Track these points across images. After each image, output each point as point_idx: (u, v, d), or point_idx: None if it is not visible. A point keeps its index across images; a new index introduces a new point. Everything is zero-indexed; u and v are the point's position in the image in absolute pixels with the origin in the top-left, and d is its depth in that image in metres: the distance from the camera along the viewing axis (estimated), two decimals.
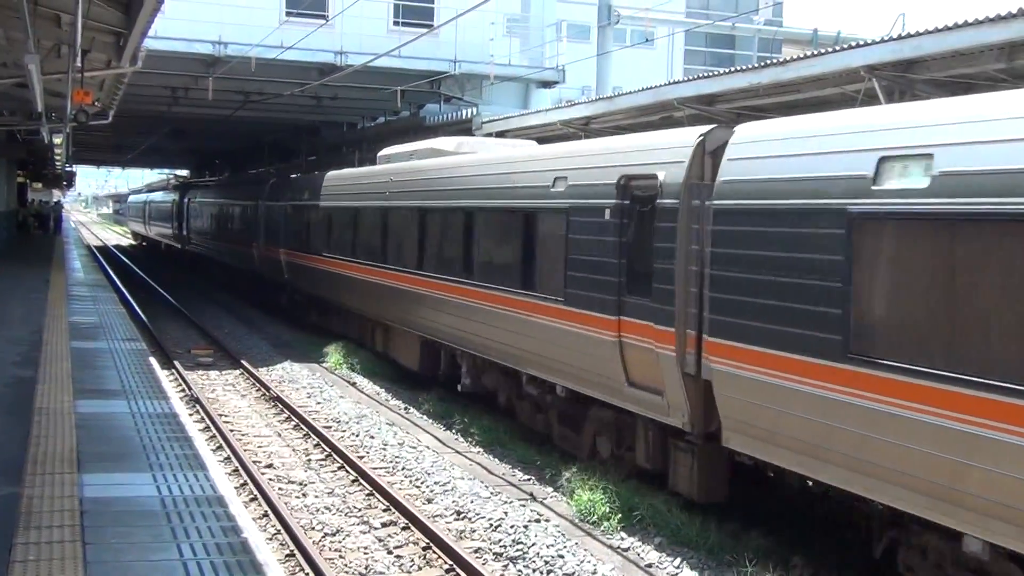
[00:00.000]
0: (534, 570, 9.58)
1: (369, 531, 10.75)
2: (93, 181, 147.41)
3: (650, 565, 9.73)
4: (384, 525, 10.92)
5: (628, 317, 10.86)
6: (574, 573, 9.47)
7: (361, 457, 13.58)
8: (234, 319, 29.22)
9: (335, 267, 22.11)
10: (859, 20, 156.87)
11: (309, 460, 13.70)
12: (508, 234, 13.91)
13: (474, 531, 10.69)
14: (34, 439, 8.97)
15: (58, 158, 50.91)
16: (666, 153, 10.44)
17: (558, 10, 29.99)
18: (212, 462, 8.67)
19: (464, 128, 25.37)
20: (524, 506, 11.40)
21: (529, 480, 12.65)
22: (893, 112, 8.32)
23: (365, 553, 10.09)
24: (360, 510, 11.48)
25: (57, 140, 38.69)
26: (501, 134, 22.35)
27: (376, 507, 11.56)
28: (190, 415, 13.09)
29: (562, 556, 9.81)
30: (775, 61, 14.51)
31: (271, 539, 10.28)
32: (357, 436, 14.88)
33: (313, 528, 10.75)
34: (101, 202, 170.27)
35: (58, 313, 18.20)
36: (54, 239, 49.36)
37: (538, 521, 10.86)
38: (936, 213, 7.23)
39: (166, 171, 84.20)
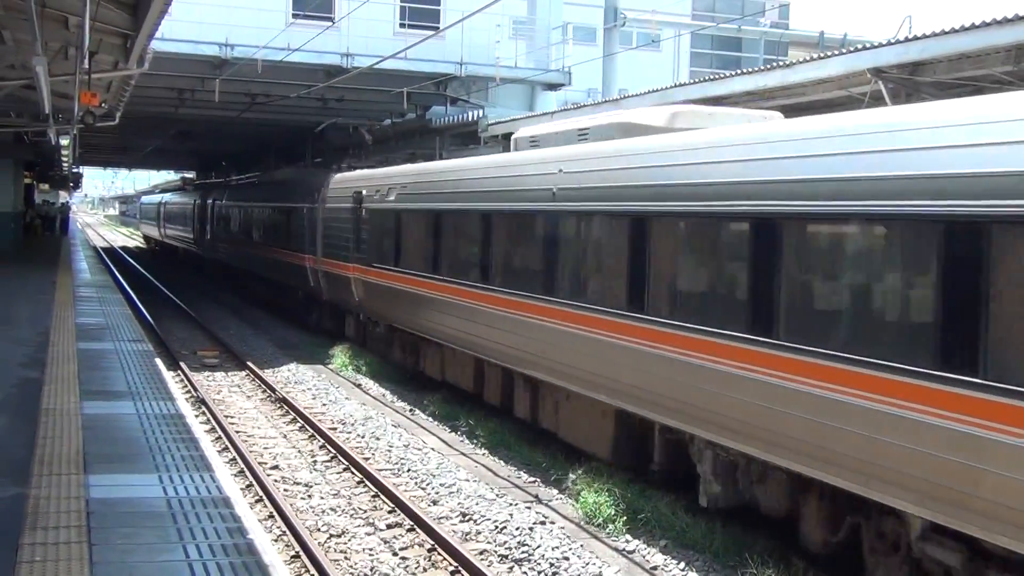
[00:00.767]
0: (539, 572, 9.57)
1: (374, 532, 10.76)
2: (100, 183, 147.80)
3: (655, 567, 9.71)
4: (389, 527, 10.92)
5: None
6: (579, 575, 9.47)
7: (367, 459, 13.59)
8: (239, 321, 29.24)
9: (450, 294, 15.78)
10: (866, 22, 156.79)
11: (315, 461, 13.71)
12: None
13: (479, 533, 10.69)
14: (40, 440, 8.98)
15: (65, 159, 51.13)
16: None
17: (564, 12, 30.01)
18: (218, 463, 8.67)
19: (470, 131, 25.40)
20: (529, 508, 11.40)
21: (534, 482, 12.65)
22: None
23: (370, 554, 10.09)
24: (365, 511, 11.48)
25: (64, 141, 38.85)
26: (507, 136, 22.34)
27: (381, 508, 11.57)
28: (196, 416, 13.08)
29: (567, 558, 9.80)
30: (781, 63, 14.50)
31: (277, 540, 10.29)
32: (363, 438, 14.89)
33: (319, 529, 10.76)
34: (108, 204, 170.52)
35: (65, 314, 18.23)
36: (61, 240, 49.44)
37: (543, 523, 10.85)
38: None
39: (172, 172, 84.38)
